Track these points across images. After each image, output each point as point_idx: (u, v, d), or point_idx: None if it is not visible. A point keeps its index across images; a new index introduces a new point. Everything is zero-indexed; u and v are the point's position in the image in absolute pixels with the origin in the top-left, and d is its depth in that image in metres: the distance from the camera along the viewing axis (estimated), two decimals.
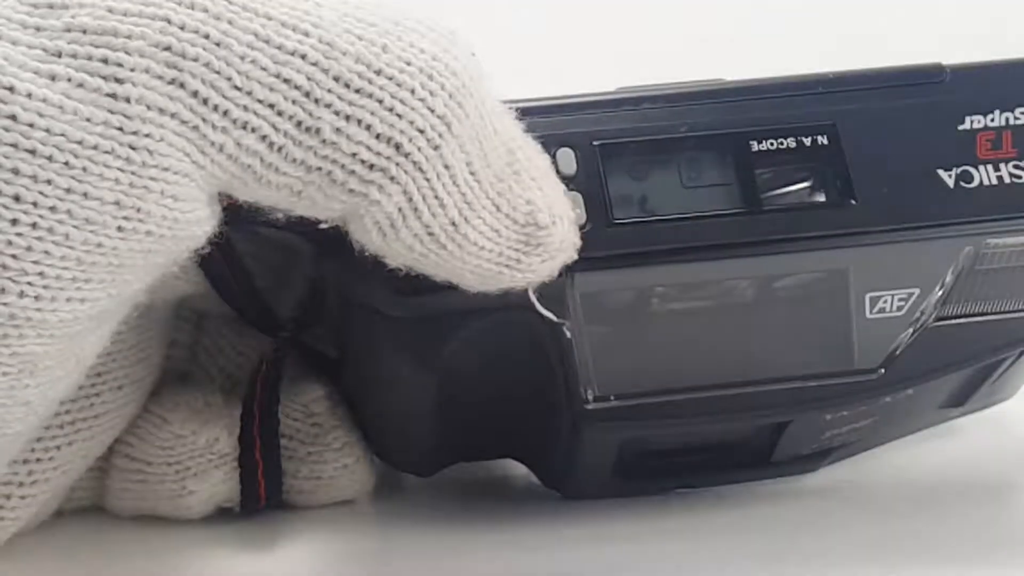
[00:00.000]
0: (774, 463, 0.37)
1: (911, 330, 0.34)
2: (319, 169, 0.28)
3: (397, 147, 0.28)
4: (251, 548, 0.36)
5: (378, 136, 0.28)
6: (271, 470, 0.37)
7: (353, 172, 0.28)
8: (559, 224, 0.30)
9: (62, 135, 0.26)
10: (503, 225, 0.29)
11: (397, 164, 0.28)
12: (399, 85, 0.28)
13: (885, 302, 0.34)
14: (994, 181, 0.33)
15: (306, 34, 0.27)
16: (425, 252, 0.29)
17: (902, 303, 0.34)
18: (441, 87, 0.28)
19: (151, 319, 0.36)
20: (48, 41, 0.26)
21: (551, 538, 0.36)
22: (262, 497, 0.37)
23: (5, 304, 0.26)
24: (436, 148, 0.28)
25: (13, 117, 0.25)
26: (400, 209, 0.28)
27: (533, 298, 0.32)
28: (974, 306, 0.35)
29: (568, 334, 0.33)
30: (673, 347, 0.34)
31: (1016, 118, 0.34)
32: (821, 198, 0.33)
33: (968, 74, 0.34)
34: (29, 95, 0.26)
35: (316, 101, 0.27)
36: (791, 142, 0.33)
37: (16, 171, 0.25)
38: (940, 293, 0.34)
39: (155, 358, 0.37)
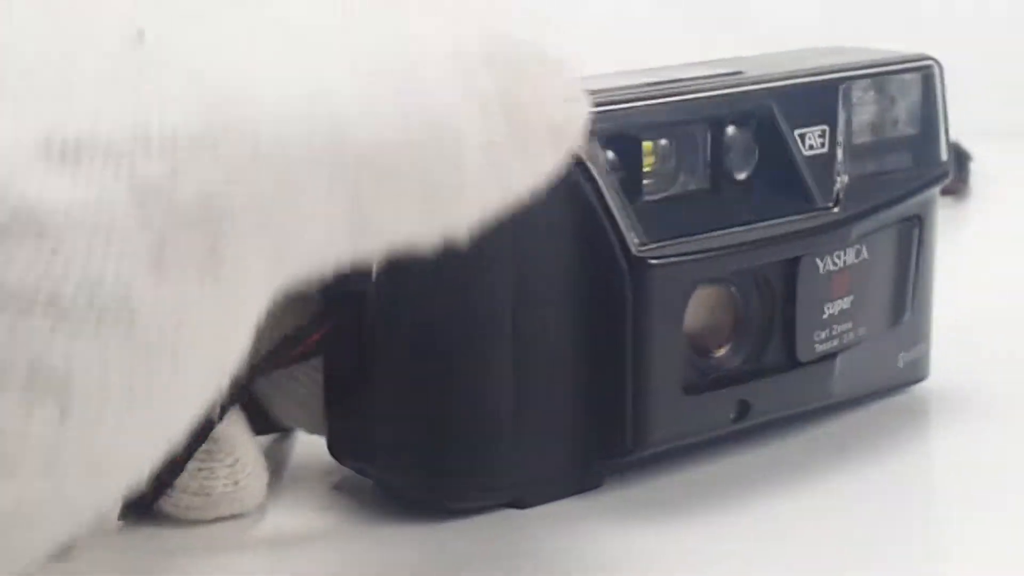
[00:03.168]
0: (801, 363, 0.40)
1: (843, 172, 0.40)
2: None
3: None
4: (251, 547, 0.35)
5: None
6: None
7: None
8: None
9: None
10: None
11: None
12: None
13: (811, 139, 0.39)
14: None
15: None
16: None
17: (822, 139, 0.40)
18: None
19: None
20: None
21: (551, 538, 0.36)
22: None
23: None
24: None
25: None
26: None
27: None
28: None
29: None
30: None
31: None
32: None
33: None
34: None
35: None
36: None
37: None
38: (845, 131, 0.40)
39: None
